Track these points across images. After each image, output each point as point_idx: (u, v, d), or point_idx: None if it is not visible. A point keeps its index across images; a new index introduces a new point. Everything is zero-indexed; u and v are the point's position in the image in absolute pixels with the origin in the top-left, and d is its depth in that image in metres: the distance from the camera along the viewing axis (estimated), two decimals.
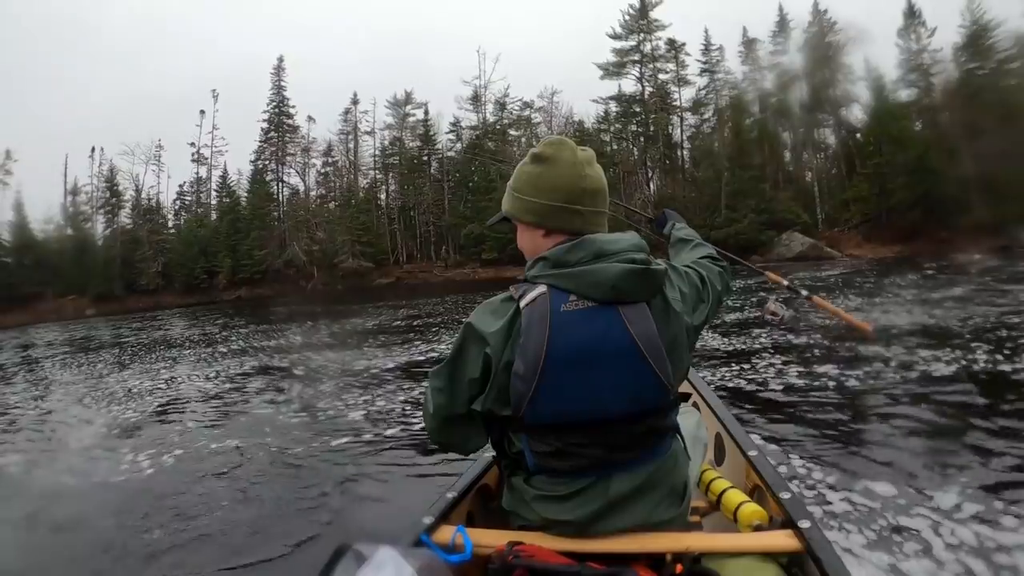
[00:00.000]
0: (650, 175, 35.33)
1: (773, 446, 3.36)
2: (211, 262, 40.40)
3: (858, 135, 32.77)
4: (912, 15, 31.96)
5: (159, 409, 6.02)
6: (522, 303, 1.02)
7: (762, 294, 10.03)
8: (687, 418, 1.45)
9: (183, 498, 3.37)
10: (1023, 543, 2.20)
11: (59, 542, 3.03)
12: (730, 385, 4.98)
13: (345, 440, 4.19)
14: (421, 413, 4.27)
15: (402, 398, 5.41)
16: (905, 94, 31.15)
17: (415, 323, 12.89)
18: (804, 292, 1.92)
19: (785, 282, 1.89)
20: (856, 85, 32.62)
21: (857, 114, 33.31)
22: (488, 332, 1.03)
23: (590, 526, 1.05)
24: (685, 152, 38.45)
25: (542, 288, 1.03)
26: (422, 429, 4.03)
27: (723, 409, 1.96)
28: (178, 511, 3.18)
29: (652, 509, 1.07)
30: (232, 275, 39.79)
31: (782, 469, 2.96)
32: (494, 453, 1.23)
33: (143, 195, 45.21)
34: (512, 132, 41.78)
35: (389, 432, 4.29)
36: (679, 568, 0.99)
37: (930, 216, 25.08)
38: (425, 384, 1.18)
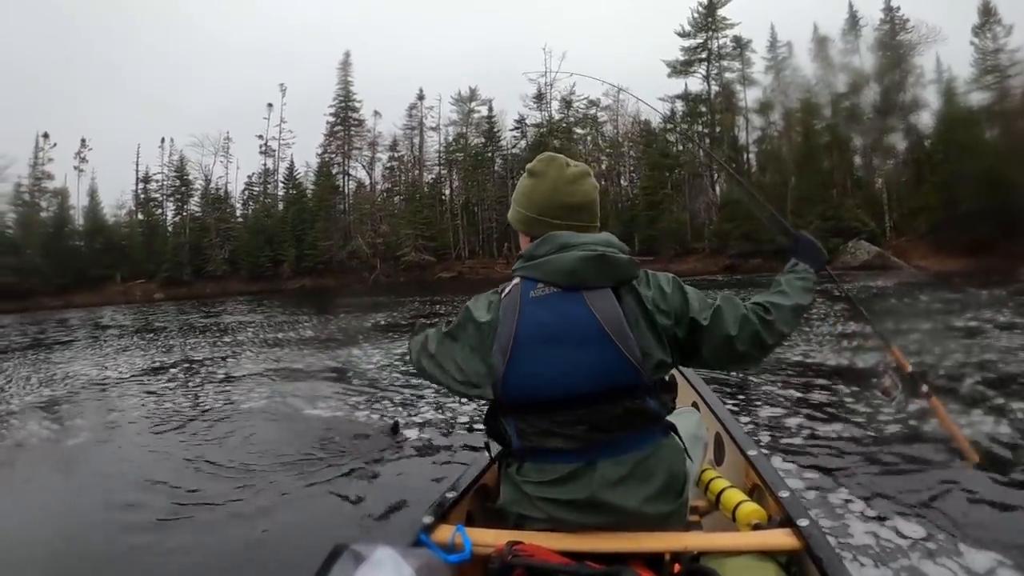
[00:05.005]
0: (716, 177, 35.51)
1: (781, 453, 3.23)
2: (277, 251, 41.52)
3: (927, 142, 32.03)
4: (988, 12, 30.93)
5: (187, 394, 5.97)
6: (502, 295, 1.17)
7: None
8: (687, 418, 1.48)
9: (175, 493, 3.20)
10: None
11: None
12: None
13: (344, 436, 4.09)
14: (420, 394, 4.94)
15: (407, 396, 5.21)
16: (977, 98, 30.04)
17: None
18: (924, 388, 1.66)
19: (909, 368, 1.67)
20: (927, 89, 31.78)
21: (927, 119, 32.47)
22: (479, 320, 1.18)
23: (584, 514, 1.09)
24: (751, 156, 38.30)
25: (516, 280, 1.17)
26: (424, 428, 4.15)
27: (722, 409, 1.98)
28: (166, 506, 3.05)
29: (644, 501, 1.09)
30: (297, 264, 40.92)
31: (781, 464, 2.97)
32: (493, 454, 1.30)
33: (212, 185, 46.47)
34: (578, 130, 41.88)
35: (389, 430, 4.20)
36: (677, 567, 1.01)
37: (1004, 229, 24.05)
38: (428, 332, 1.32)
